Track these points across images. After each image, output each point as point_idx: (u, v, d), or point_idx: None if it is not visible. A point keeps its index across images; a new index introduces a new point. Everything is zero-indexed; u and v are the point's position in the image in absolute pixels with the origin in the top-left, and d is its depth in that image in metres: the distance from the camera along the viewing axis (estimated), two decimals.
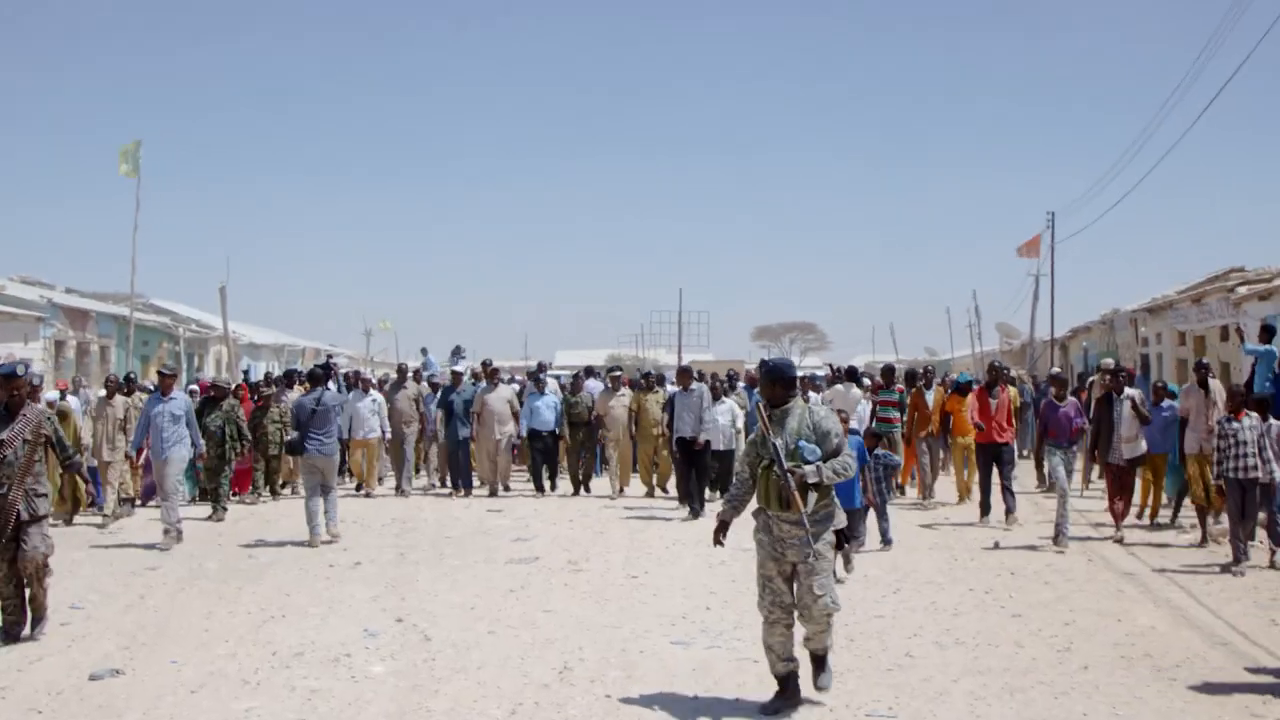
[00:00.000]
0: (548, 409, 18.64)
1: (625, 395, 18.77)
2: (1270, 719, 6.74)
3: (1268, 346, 13.79)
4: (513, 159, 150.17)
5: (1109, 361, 18.21)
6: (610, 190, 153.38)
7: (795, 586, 6.83)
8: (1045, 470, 16.43)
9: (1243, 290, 24.02)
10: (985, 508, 14.96)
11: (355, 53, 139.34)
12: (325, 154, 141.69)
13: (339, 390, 14.86)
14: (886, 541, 12.55)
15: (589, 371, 22.30)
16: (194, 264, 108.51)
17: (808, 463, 6.63)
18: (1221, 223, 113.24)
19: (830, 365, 25.01)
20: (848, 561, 10.97)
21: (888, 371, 18.53)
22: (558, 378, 23.97)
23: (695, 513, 15.63)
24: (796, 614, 6.86)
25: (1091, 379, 19.55)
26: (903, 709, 6.87)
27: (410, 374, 20.27)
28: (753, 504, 7.04)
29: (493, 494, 18.38)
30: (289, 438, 14.22)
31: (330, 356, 17.49)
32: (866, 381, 21.00)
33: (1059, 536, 12.73)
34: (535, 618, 9.36)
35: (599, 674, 7.65)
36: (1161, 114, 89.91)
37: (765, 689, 7.24)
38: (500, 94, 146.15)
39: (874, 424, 16.75)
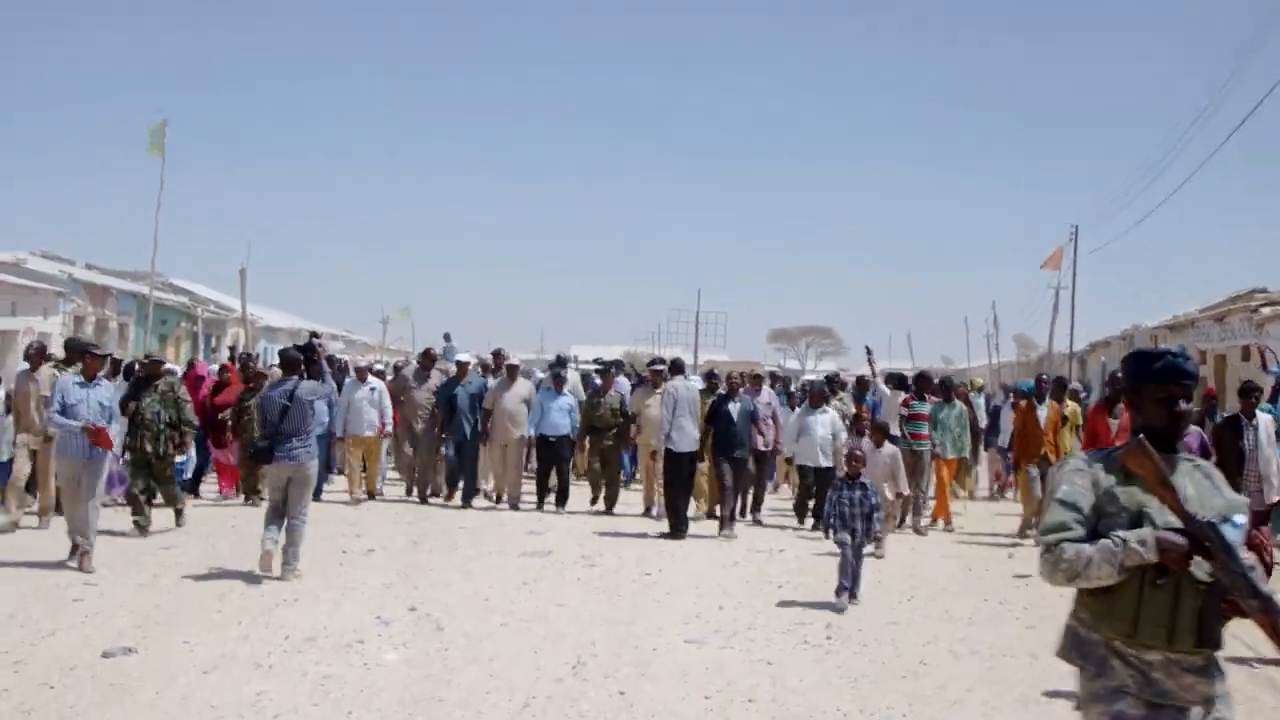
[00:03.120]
0: (560, 412, 15.70)
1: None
2: None
3: None
4: (536, 156, 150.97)
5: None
6: (632, 190, 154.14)
7: None
8: None
9: (1266, 311, 23.95)
10: None
11: (381, 42, 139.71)
12: (348, 143, 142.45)
13: (323, 379, 11.88)
14: (851, 596, 9.98)
15: (617, 366, 18.80)
16: (215, 245, 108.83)
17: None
18: (1245, 243, 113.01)
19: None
20: None
21: (922, 379, 15.93)
22: (586, 374, 20.29)
23: (670, 529, 13.72)
24: None
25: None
26: (916, 716, 6.83)
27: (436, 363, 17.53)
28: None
29: (498, 501, 16.15)
30: (256, 443, 11.21)
31: (314, 335, 14.55)
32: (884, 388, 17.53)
33: None
34: (548, 611, 9.33)
35: (612, 670, 7.62)
36: (1189, 132, 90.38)
37: (778, 690, 7.22)
38: (524, 91, 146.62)
39: (903, 440, 14.57)
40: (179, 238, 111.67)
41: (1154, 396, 3.97)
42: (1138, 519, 3.80)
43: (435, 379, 16.74)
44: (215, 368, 17.36)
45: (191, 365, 17.70)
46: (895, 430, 14.73)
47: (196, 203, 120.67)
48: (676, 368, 15.15)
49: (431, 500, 16.25)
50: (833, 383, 17.57)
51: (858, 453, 11.01)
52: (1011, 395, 17.28)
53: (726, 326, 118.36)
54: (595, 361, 20.03)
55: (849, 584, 9.92)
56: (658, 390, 15.10)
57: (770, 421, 15.49)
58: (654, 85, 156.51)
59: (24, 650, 7.64)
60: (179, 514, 13.02)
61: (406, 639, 8.28)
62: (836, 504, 10.36)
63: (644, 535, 13.65)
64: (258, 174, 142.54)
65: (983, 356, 58.36)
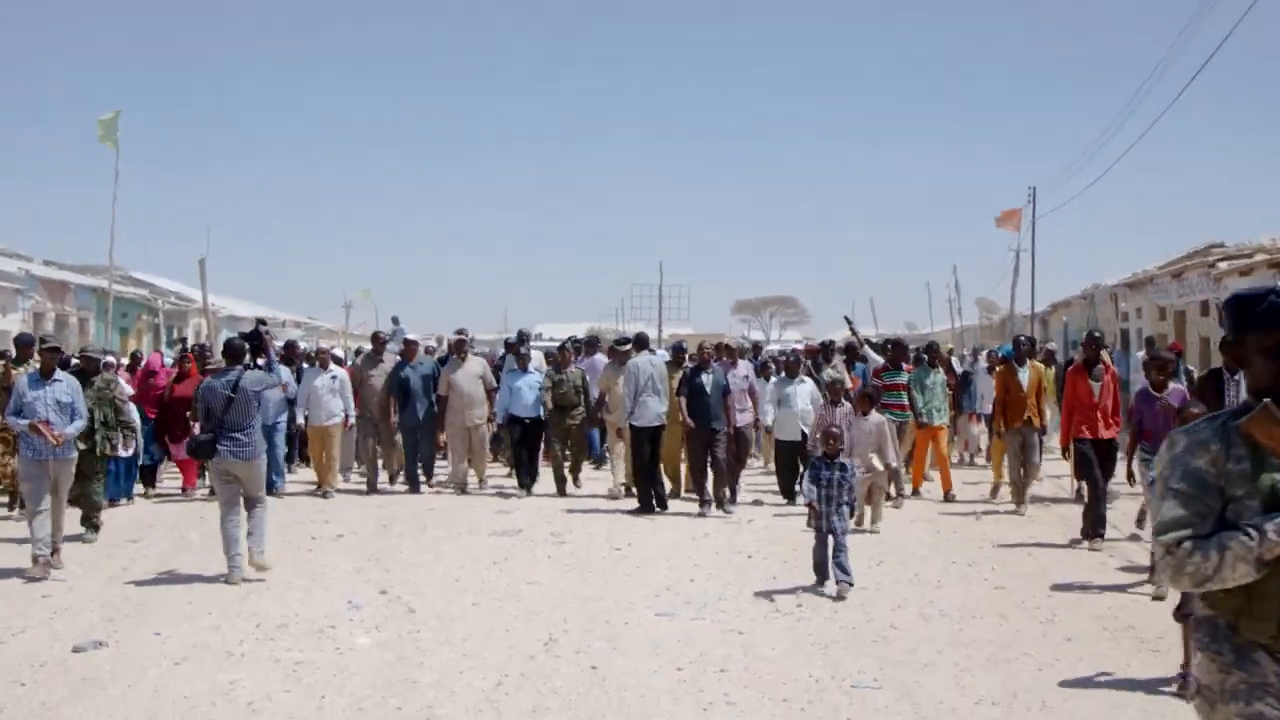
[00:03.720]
0: (530, 390, 15.11)
1: None
2: None
3: None
4: (494, 132, 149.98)
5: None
6: (592, 164, 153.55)
7: None
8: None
9: (1223, 265, 24.15)
10: (1100, 521, 11.30)
11: (336, 26, 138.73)
12: (305, 127, 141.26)
13: (270, 368, 10.66)
14: (844, 583, 9.19)
15: (591, 345, 17.75)
16: (174, 236, 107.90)
17: None
18: (1202, 199, 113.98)
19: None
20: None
21: (898, 345, 15.54)
22: (547, 353, 19.24)
23: (638, 505, 13.71)
24: None
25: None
26: (888, 680, 6.88)
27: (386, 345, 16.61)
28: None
29: (462, 491, 15.24)
30: (196, 437, 10.26)
31: (260, 321, 13.20)
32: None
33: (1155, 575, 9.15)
34: (519, 589, 9.35)
35: (584, 645, 7.65)
36: (1143, 90, 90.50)
37: (750, 659, 7.26)
38: (483, 69, 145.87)
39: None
40: (137, 230, 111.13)
41: (1260, 346, 3.27)
42: (1273, 499, 3.16)
43: (389, 363, 15.84)
44: (170, 359, 16.67)
45: (135, 359, 17.09)
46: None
47: (154, 195, 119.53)
48: (641, 343, 14.78)
49: (395, 488, 15.63)
50: (827, 350, 16.29)
51: (834, 429, 10.09)
52: (988, 360, 16.73)
53: (690, 299, 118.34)
54: (570, 339, 18.13)
55: (831, 572, 9.24)
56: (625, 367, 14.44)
57: (747, 396, 14.74)
58: (611, 61, 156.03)
59: None
60: (92, 523, 11.73)
61: (378, 622, 8.29)
62: (815, 483, 9.54)
63: (614, 511, 13.65)
64: (214, 163, 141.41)
65: (946, 321, 58.61)
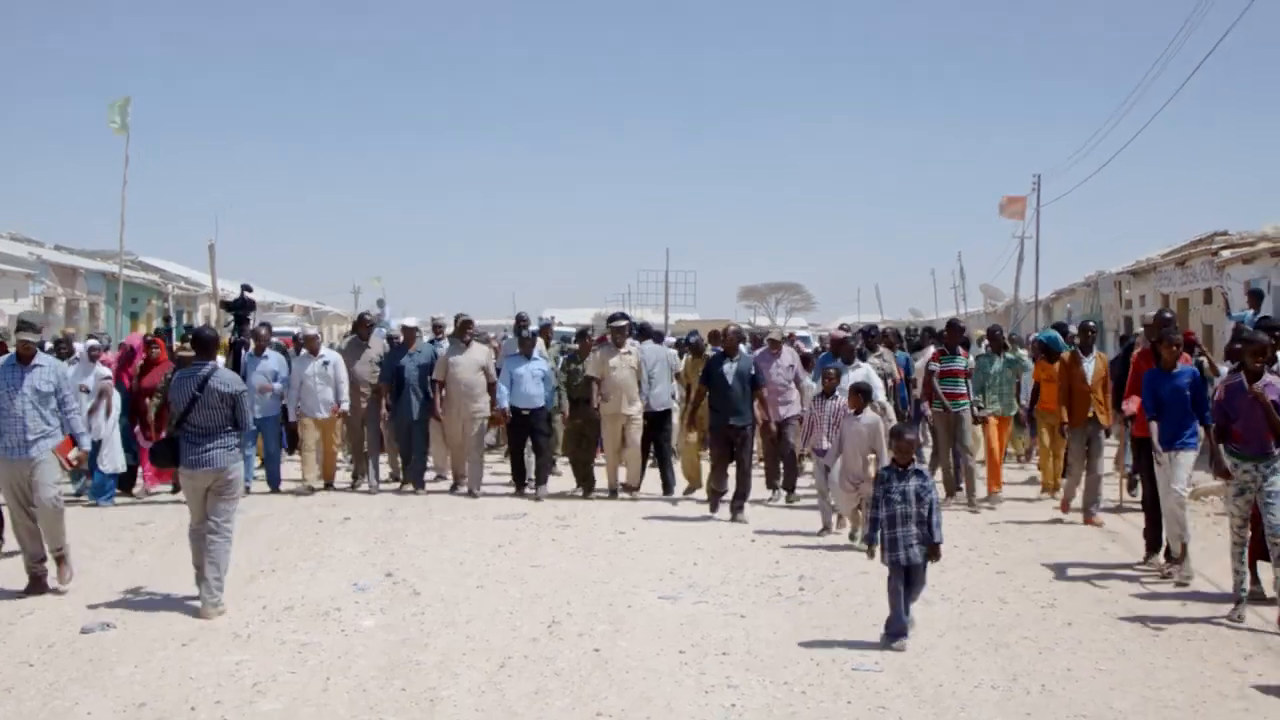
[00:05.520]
0: (534, 379, 13.58)
1: (631, 354, 13.49)
2: (1251, 674, 6.83)
3: (1255, 312, 13.71)
4: (502, 120, 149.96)
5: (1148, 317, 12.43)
6: (599, 150, 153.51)
7: None
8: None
9: (1226, 254, 24.13)
10: (1160, 539, 9.86)
11: (345, 12, 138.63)
12: (314, 113, 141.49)
13: (248, 355, 9.79)
14: (896, 635, 7.39)
15: (643, 331, 15.19)
16: (183, 222, 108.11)
17: None
18: (1206, 187, 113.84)
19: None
20: None
21: (955, 327, 13.61)
22: (565, 339, 18.04)
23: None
24: None
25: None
26: (889, 663, 6.93)
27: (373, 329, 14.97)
28: None
29: (454, 489, 13.97)
30: (155, 442, 9.04)
31: (246, 288, 12.04)
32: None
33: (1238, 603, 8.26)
34: (523, 573, 9.40)
35: (587, 628, 7.71)
36: (1148, 78, 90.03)
37: (752, 643, 7.31)
38: (490, 55, 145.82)
39: (935, 401, 12.84)
40: (147, 216, 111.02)
41: None
42: None
43: (378, 348, 14.43)
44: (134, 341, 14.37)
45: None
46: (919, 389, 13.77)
47: (164, 180, 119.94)
48: (645, 332, 14.45)
49: (384, 488, 14.13)
50: (869, 337, 14.62)
51: (909, 435, 7.99)
52: (1034, 349, 14.69)
53: (696, 285, 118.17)
54: (609, 321, 16.24)
55: (905, 612, 7.49)
56: (621, 350, 13.41)
57: (793, 386, 13.19)
58: (617, 47, 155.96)
59: (2, 629, 7.68)
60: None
61: (383, 605, 8.35)
62: (885, 501, 7.61)
63: (618, 497, 13.66)
64: (223, 149, 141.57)
65: (950, 307, 58.70)
